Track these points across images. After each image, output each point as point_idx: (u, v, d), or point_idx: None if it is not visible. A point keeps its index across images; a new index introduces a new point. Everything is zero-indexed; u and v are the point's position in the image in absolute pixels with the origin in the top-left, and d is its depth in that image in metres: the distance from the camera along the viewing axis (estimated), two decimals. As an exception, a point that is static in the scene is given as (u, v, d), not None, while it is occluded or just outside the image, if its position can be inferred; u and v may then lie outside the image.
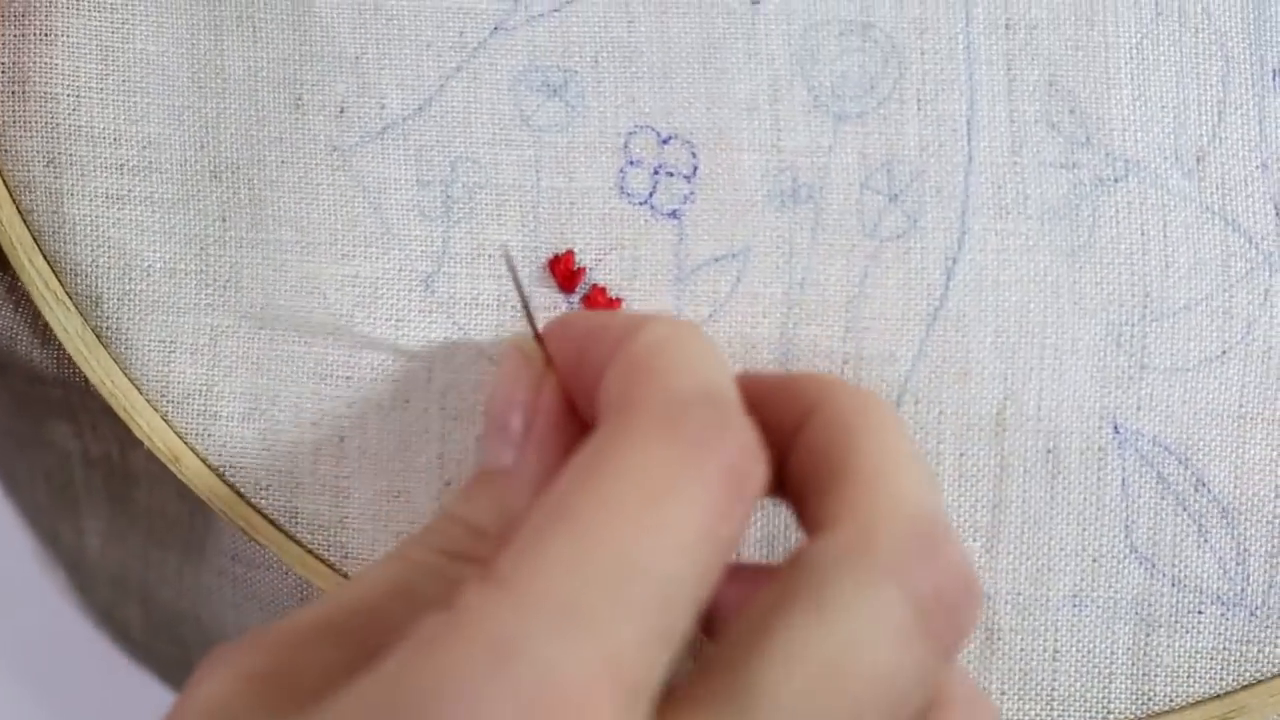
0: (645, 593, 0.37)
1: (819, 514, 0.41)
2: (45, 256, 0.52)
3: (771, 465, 0.41)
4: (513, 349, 0.46)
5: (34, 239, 0.52)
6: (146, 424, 0.52)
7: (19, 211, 0.52)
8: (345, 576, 0.52)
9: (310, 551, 0.52)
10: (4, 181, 0.52)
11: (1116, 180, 0.50)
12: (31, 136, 0.52)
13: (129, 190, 0.52)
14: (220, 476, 0.52)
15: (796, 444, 0.42)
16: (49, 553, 0.61)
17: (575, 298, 0.51)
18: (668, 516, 0.38)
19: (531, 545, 0.37)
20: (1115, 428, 0.50)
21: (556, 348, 0.46)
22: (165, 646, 0.59)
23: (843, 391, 0.43)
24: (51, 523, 0.59)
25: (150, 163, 0.52)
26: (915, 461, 0.41)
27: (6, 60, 0.51)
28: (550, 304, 0.51)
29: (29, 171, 0.52)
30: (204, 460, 0.52)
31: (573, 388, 0.45)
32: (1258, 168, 0.50)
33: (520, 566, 0.37)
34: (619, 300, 0.51)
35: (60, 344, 0.53)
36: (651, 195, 0.51)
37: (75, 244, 0.52)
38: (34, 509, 0.60)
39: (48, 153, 0.52)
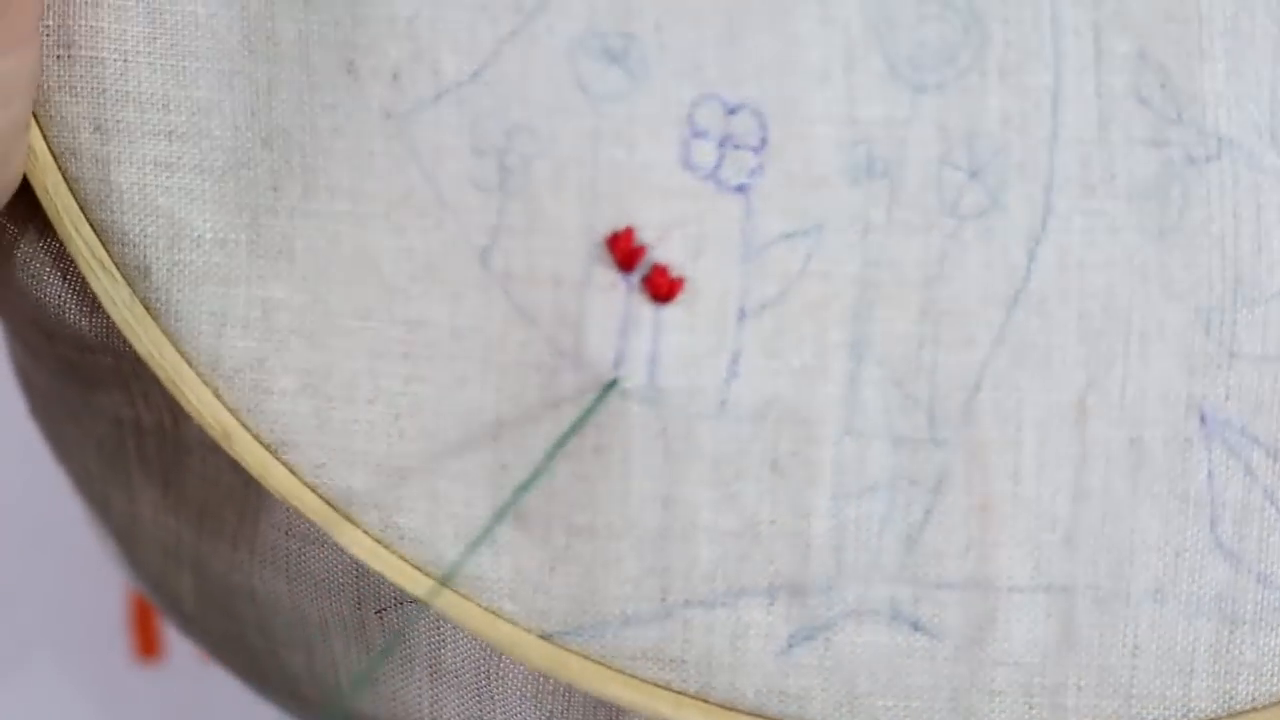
0: None
1: None
2: (92, 225, 0.50)
3: None
4: None
5: (80, 207, 0.50)
6: (196, 399, 0.50)
7: (65, 179, 0.50)
8: (402, 559, 0.50)
9: (366, 532, 0.50)
10: (50, 147, 0.50)
11: (1209, 159, 0.47)
12: (78, 101, 0.50)
13: (178, 157, 0.50)
14: (273, 453, 0.50)
15: None
16: (100, 521, 0.60)
17: (635, 276, 0.49)
18: None
19: None
20: (1202, 418, 0.48)
21: None
22: (218, 620, 0.58)
23: None
24: (103, 490, 0.58)
25: (200, 129, 0.50)
26: None
27: (52, 23, 0.50)
28: (609, 283, 0.49)
29: (75, 138, 0.50)
30: (256, 437, 0.50)
31: None
32: (1358, 143, 0.48)
33: None
34: (681, 280, 0.49)
35: (109, 313, 0.51)
36: (717, 168, 0.49)
37: (123, 212, 0.50)
38: (85, 476, 0.59)
39: (95, 118, 0.50)
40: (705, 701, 0.50)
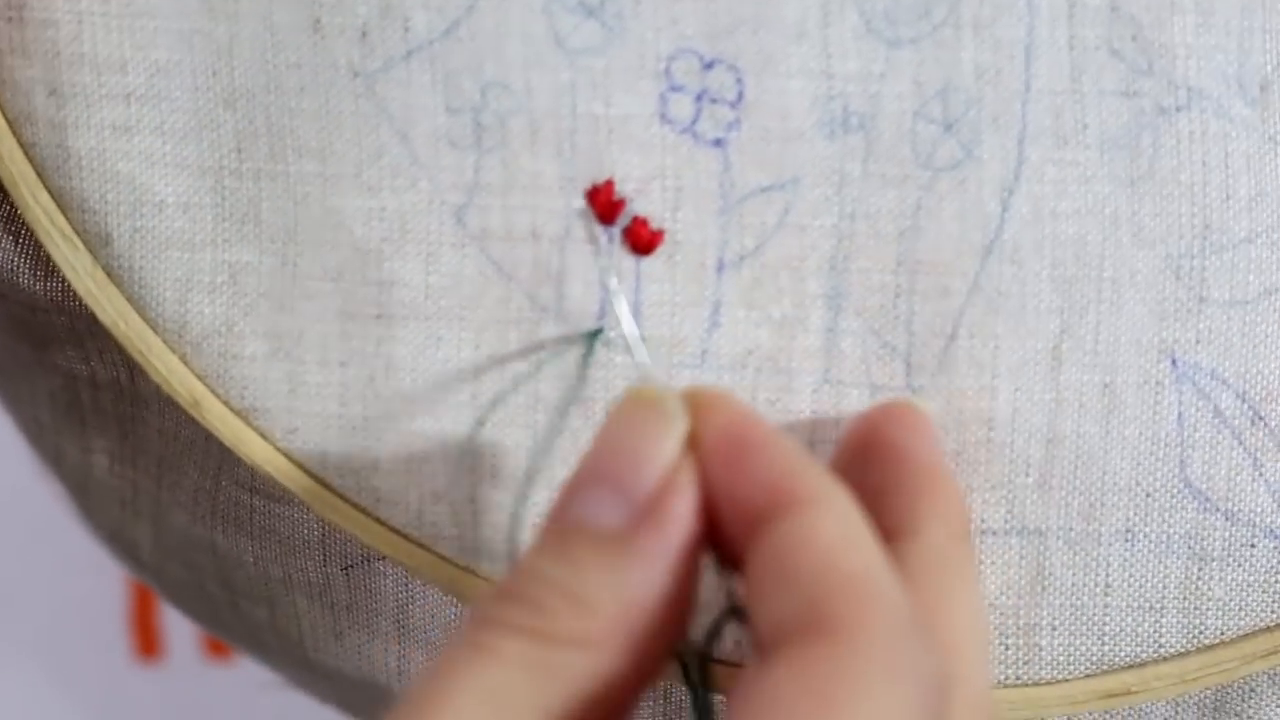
0: None
1: None
2: (50, 192, 0.49)
3: None
4: (645, 399, 0.42)
5: (38, 174, 0.49)
6: (163, 366, 0.49)
7: (20, 145, 0.49)
8: (378, 521, 0.50)
9: (340, 496, 0.50)
10: (3, 114, 0.49)
11: (1178, 109, 0.48)
12: (31, 65, 0.48)
13: (137, 120, 0.49)
14: (245, 420, 0.49)
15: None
16: (53, 472, 0.58)
17: (616, 229, 0.49)
18: None
19: None
20: (1173, 361, 0.49)
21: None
22: (177, 570, 0.57)
23: (944, 540, 0.43)
24: (55, 442, 0.56)
25: (159, 91, 0.49)
26: (988, 643, 0.43)
27: (1, -17, 0.48)
28: (590, 235, 0.49)
29: (30, 102, 0.48)
30: (226, 403, 0.49)
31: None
32: (1321, 96, 0.49)
33: None
34: (661, 232, 0.49)
35: (65, 278, 0.50)
36: (694, 122, 0.49)
37: (81, 179, 0.49)
38: (36, 428, 0.57)
39: (49, 82, 0.48)
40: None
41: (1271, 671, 0.51)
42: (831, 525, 0.40)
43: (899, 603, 0.39)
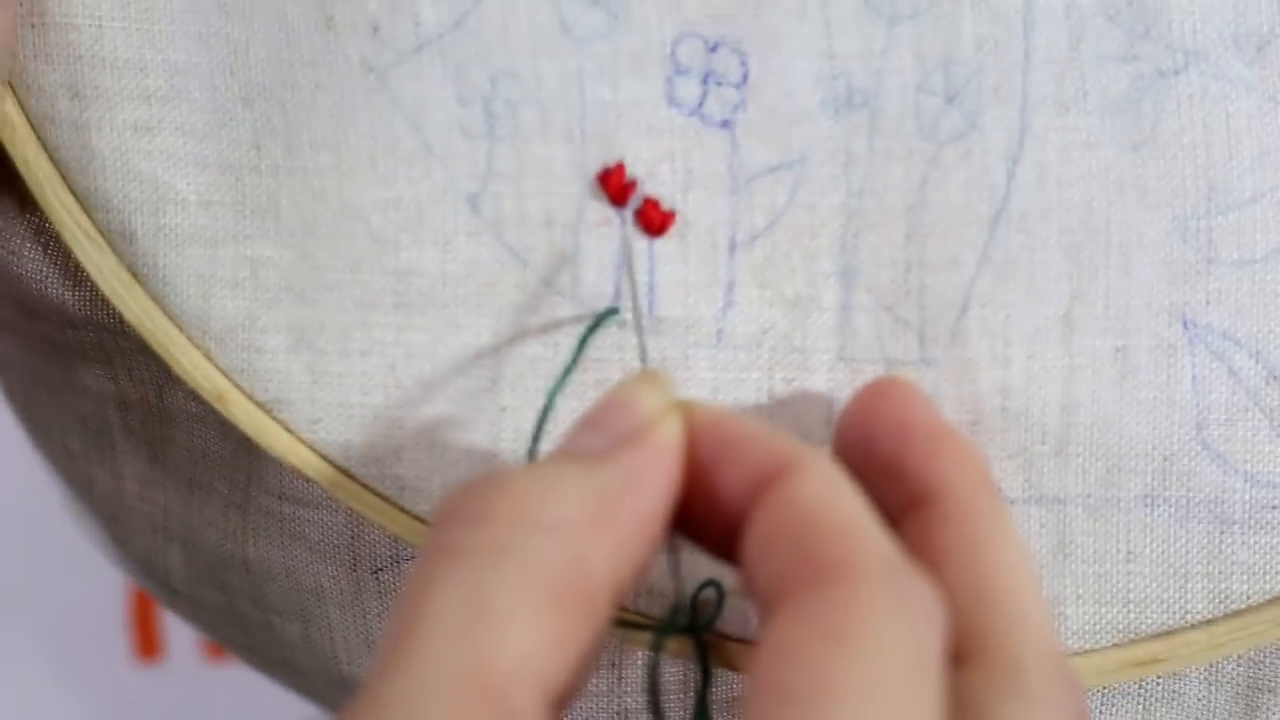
0: None
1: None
2: (74, 193, 0.50)
3: None
4: (637, 374, 0.44)
5: (61, 175, 0.50)
6: (188, 362, 0.50)
7: (44, 147, 0.50)
8: (401, 510, 0.50)
9: (365, 486, 0.50)
10: (27, 117, 0.50)
11: (1177, 72, 0.49)
12: (53, 69, 0.50)
13: (158, 120, 0.50)
14: (268, 413, 0.50)
15: (904, 529, 0.44)
16: (83, 503, 0.59)
17: (628, 211, 0.50)
18: (926, 697, 0.38)
19: None
20: (1185, 323, 0.49)
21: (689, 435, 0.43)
22: (209, 594, 0.57)
23: (968, 491, 0.44)
24: (85, 470, 0.57)
25: (178, 90, 0.50)
26: (1037, 583, 0.43)
27: (23, -9, 0.49)
28: (602, 219, 0.50)
29: (53, 105, 0.50)
30: (250, 397, 0.50)
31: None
32: (1316, 55, 0.49)
33: None
34: (673, 213, 0.49)
35: (93, 285, 0.51)
36: (701, 104, 0.49)
37: (104, 178, 0.50)
38: (66, 457, 0.58)
39: (71, 84, 0.50)
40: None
41: (1305, 641, 0.51)
42: (812, 485, 0.41)
43: (888, 546, 0.40)
